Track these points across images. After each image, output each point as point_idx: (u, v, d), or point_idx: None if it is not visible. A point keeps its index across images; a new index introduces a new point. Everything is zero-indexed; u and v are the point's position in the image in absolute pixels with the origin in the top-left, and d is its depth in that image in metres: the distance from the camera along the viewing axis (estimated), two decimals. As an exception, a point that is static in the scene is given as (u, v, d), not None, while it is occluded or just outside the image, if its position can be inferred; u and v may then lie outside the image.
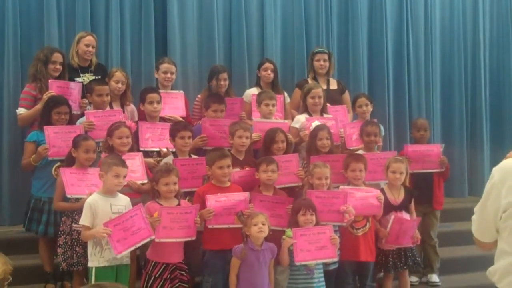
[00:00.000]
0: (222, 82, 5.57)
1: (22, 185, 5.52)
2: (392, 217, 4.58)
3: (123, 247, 3.84)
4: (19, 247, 4.99)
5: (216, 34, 6.57)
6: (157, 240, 4.01)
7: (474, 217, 2.54)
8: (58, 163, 4.66)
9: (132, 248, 3.95)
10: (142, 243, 3.97)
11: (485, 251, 2.58)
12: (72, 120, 4.91)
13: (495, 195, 2.38)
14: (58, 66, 5.16)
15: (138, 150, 4.73)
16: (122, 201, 4.06)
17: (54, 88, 5.01)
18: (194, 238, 4.15)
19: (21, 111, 5.07)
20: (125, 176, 4.05)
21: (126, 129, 4.58)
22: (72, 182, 4.31)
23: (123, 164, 4.05)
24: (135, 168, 4.51)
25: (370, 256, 4.63)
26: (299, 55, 6.84)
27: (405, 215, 4.69)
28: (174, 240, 4.05)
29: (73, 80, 5.30)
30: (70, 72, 5.34)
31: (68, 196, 4.29)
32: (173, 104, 5.40)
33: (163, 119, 5.18)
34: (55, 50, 5.27)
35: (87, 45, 5.42)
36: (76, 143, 4.41)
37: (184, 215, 4.08)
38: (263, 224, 4.04)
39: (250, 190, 4.55)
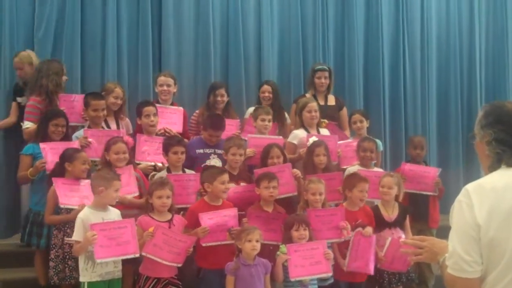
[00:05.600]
0: (219, 98, 5.58)
1: (17, 198, 5.50)
2: (389, 239, 4.48)
3: (104, 254, 3.81)
4: (13, 260, 4.97)
5: (212, 49, 6.58)
6: (143, 253, 3.99)
7: None
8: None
9: (113, 259, 3.89)
10: (124, 257, 3.93)
11: None
12: (68, 133, 4.91)
13: None
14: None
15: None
16: (113, 214, 4.06)
17: (62, 102, 5.04)
18: (180, 265, 4.12)
19: (27, 124, 5.02)
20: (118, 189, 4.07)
21: (123, 145, 4.57)
22: (65, 192, 4.30)
23: (119, 177, 4.09)
24: (125, 181, 4.45)
25: (364, 275, 4.57)
26: (296, 71, 6.86)
27: (399, 233, 4.67)
28: (159, 260, 4.00)
29: None
30: None
31: (61, 206, 4.27)
32: (171, 119, 5.40)
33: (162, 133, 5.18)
34: (61, 63, 5.36)
35: None
36: (70, 157, 4.39)
37: (178, 242, 4.04)
38: (257, 241, 4.02)
39: (246, 206, 4.54)
